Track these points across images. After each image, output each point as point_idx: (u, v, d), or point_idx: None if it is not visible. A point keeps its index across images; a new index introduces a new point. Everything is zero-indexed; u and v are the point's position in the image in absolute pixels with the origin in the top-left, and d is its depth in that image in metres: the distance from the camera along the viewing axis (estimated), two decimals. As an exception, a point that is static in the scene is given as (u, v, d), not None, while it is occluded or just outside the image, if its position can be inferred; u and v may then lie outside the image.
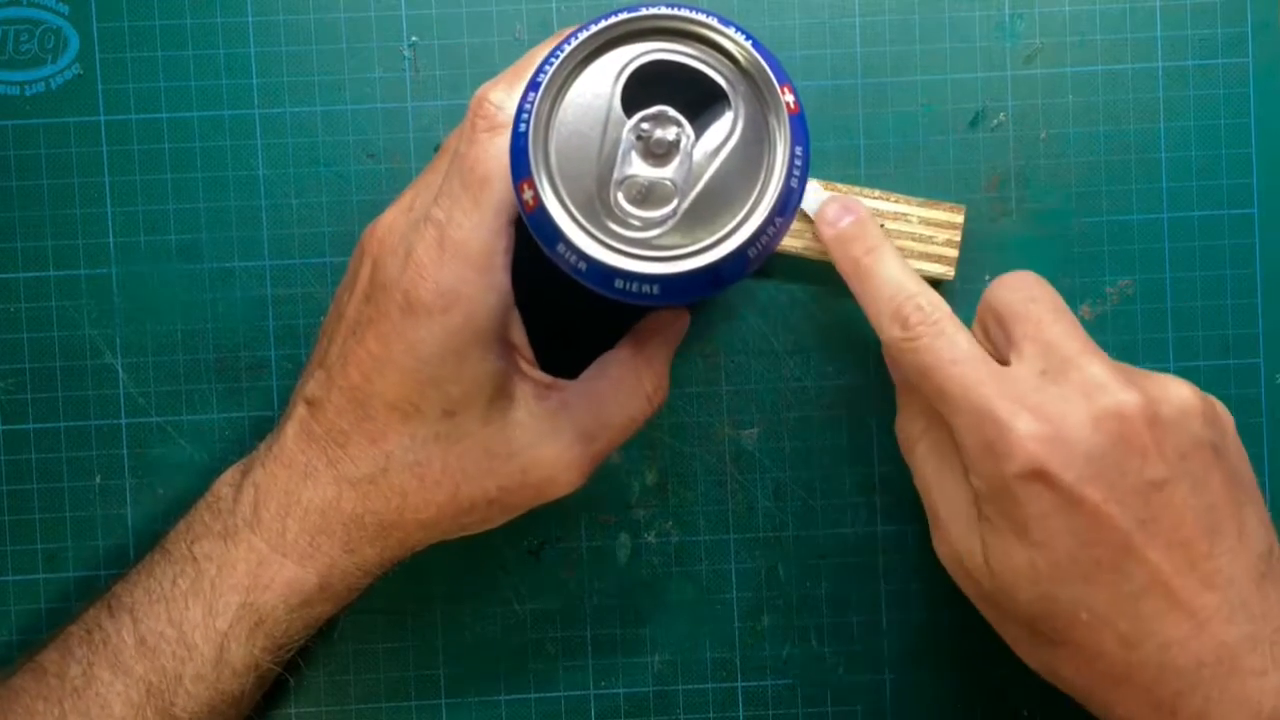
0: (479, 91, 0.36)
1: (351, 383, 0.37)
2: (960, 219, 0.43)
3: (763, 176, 0.32)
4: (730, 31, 0.32)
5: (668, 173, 0.31)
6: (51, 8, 0.44)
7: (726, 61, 0.32)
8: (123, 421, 0.45)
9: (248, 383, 0.45)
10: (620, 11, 0.32)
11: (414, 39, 0.44)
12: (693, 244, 0.31)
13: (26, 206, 0.44)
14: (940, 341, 0.36)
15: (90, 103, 0.44)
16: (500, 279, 0.36)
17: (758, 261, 0.32)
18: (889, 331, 0.37)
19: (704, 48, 0.32)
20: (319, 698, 0.45)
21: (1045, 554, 0.34)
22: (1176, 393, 0.35)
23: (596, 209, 0.32)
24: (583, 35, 0.31)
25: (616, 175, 0.31)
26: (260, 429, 0.44)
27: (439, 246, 0.36)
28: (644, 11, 0.32)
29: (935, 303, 0.37)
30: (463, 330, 0.36)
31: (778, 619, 0.45)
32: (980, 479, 0.35)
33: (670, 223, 0.31)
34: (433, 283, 0.36)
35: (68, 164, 0.44)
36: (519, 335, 0.39)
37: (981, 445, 0.35)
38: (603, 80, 0.32)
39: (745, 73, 0.32)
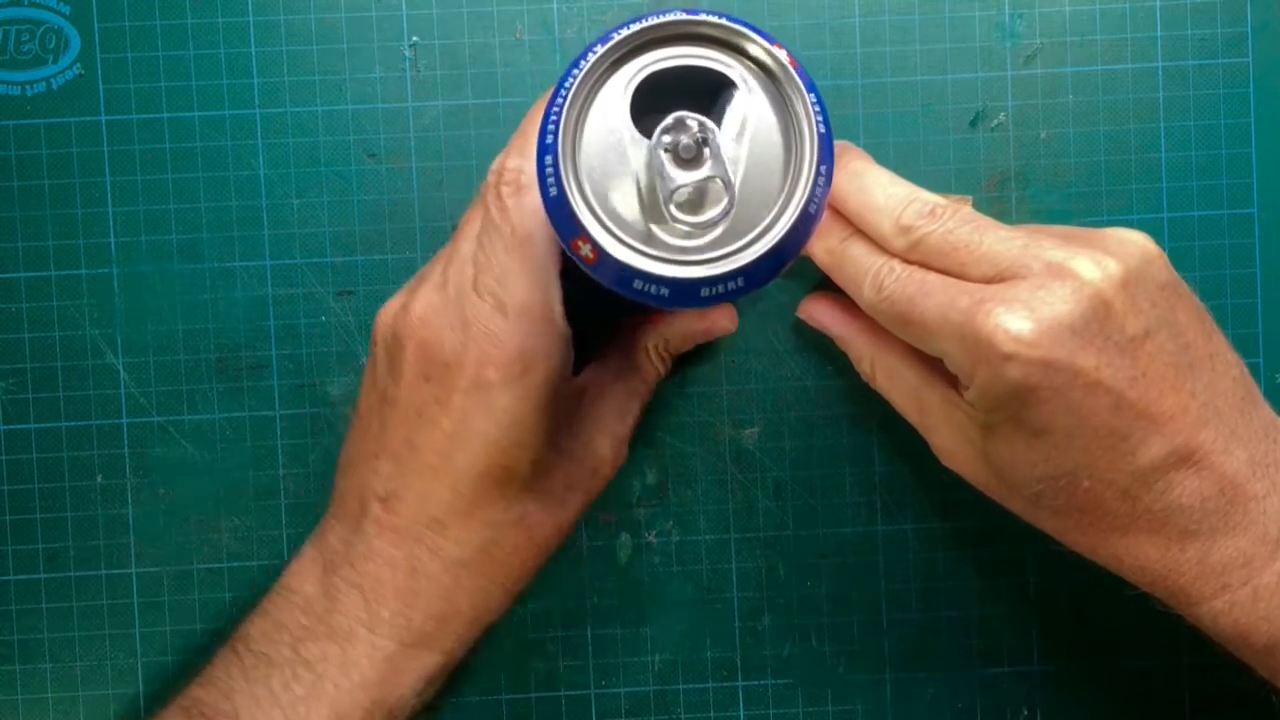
0: (494, 164, 0.37)
1: (430, 465, 0.38)
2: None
3: (789, 174, 0.32)
4: (760, 39, 0.32)
5: (706, 170, 0.31)
6: (53, 8, 0.44)
7: (729, 53, 0.32)
8: (124, 421, 0.45)
9: (249, 383, 0.45)
10: (612, 34, 0.31)
11: (415, 39, 0.44)
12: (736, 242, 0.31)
13: (28, 206, 0.44)
14: (912, 275, 0.37)
15: (91, 103, 0.44)
16: (564, 328, 0.37)
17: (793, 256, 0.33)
18: (894, 243, 0.38)
19: (706, 46, 0.32)
20: (320, 697, 0.45)
21: (1045, 440, 0.35)
22: (1134, 242, 0.36)
23: (652, 234, 0.31)
24: (574, 81, 0.31)
25: (662, 194, 0.31)
26: (260, 429, 0.45)
27: (501, 314, 0.36)
28: (653, 21, 0.31)
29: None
30: (543, 388, 0.37)
31: (778, 618, 0.45)
32: (977, 390, 0.36)
33: (729, 216, 0.31)
34: (506, 350, 0.36)
35: (69, 164, 0.44)
36: (568, 366, 0.40)
37: (973, 360, 0.35)
38: (612, 113, 0.32)
39: (764, 69, 0.32)
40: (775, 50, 0.31)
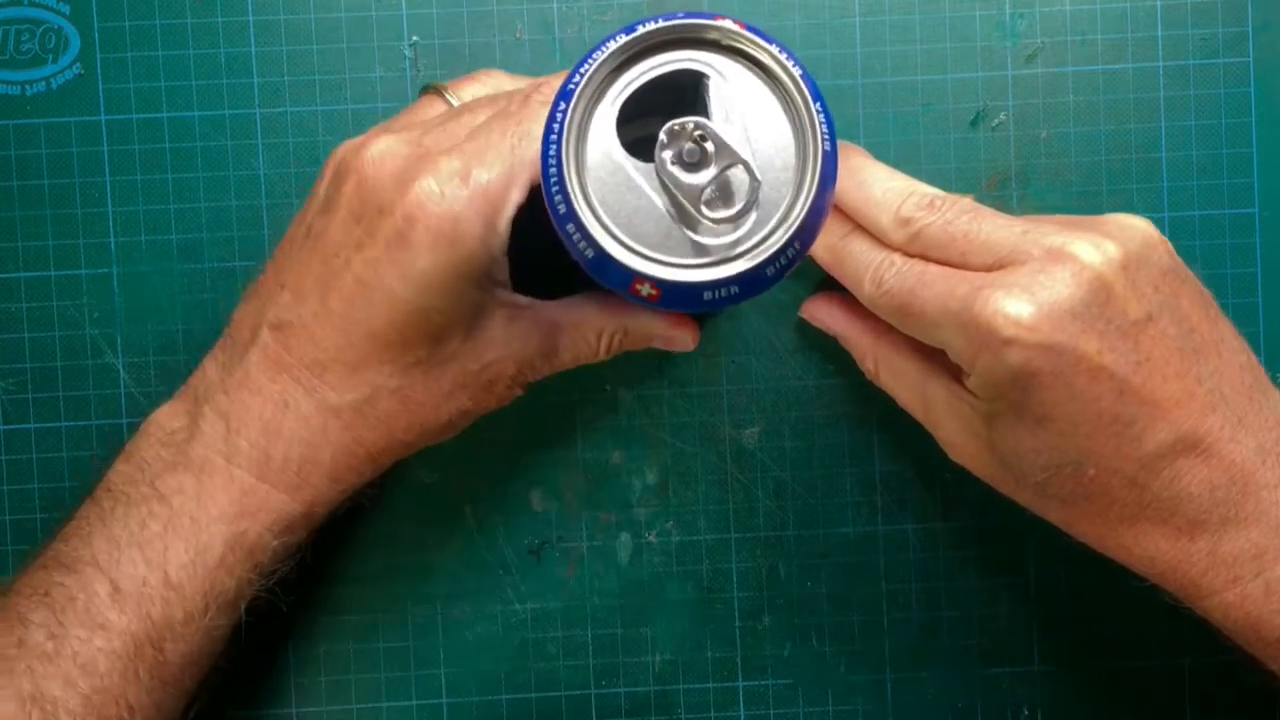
0: (534, 81, 0.38)
1: (331, 309, 0.37)
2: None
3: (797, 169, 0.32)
4: (773, 49, 0.32)
5: (716, 163, 0.31)
6: (52, 7, 0.44)
7: (704, 50, 0.32)
8: (124, 421, 0.45)
9: (248, 382, 0.45)
10: (603, 45, 0.31)
11: (415, 38, 0.44)
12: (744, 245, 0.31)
13: (27, 206, 0.44)
14: (911, 267, 0.37)
15: (91, 102, 0.44)
16: (505, 229, 0.36)
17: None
18: (894, 235, 0.38)
19: (688, 49, 0.32)
20: (319, 698, 0.45)
21: (1049, 427, 0.35)
22: (1135, 227, 0.36)
23: (694, 242, 0.31)
24: (565, 119, 0.31)
25: (689, 202, 0.31)
26: (261, 429, 0.44)
27: (461, 180, 0.35)
28: (650, 28, 0.31)
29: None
30: (462, 265, 0.36)
31: (779, 618, 0.45)
32: (979, 377, 0.36)
33: (757, 192, 0.31)
34: (443, 213, 0.35)
35: (69, 164, 0.44)
36: (501, 274, 0.39)
37: (974, 347, 0.35)
38: (609, 145, 0.32)
39: (764, 69, 0.32)
40: (774, 50, 0.31)
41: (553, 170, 0.31)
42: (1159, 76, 0.44)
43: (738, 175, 0.31)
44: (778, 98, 0.32)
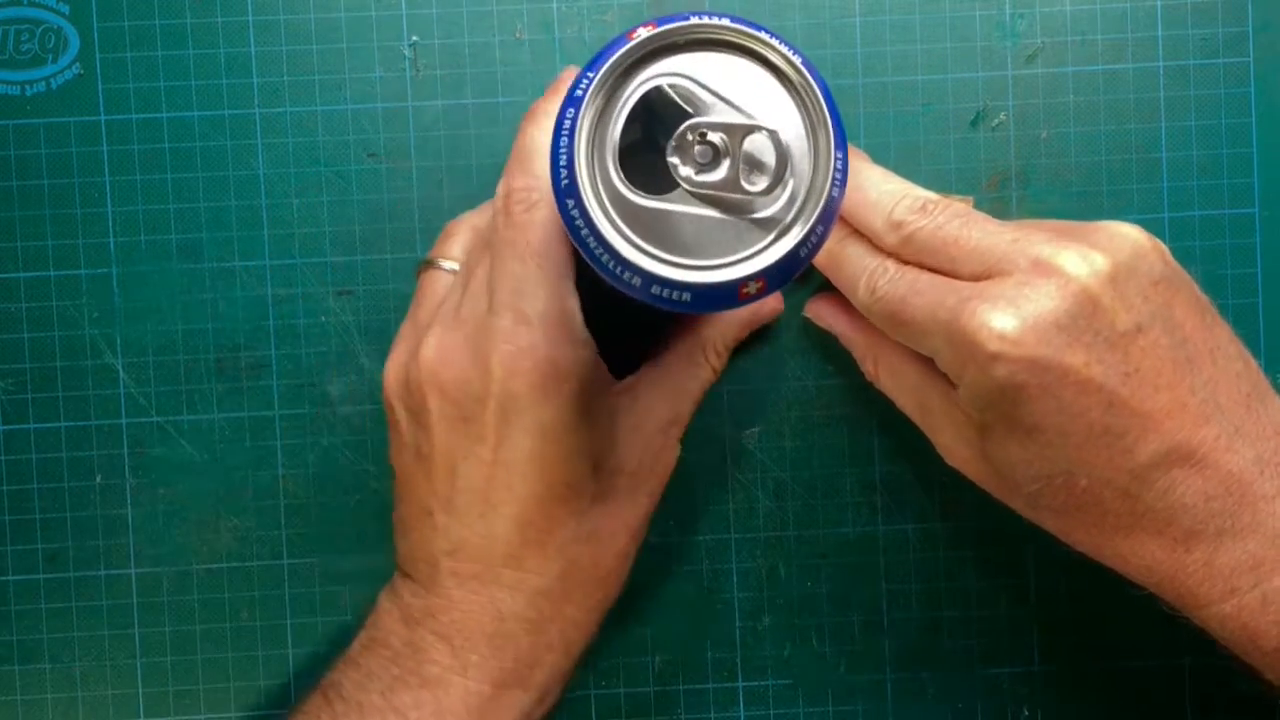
0: (500, 189, 0.37)
1: (488, 502, 0.37)
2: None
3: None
4: (780, 46, 0.32)
5: (731, 153, 0.31)
6: (52, 7, 0.44)
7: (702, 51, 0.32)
8: (123, 421, 0.45)
9: (248, 383, 0.45)
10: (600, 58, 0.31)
11: (414, 38, 0.44)
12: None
13: (27, 206, 0.44)
14: (904, 275, 0.37)
15: (91, 102, 0.44)
16: (586, 334, 0.37)
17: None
18: (886, 239, 0.38)
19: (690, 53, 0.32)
20: (319, 698, 0.45)
21: (1038, 439, 0.35)
22: (1125, 236, 0.35)
23: (741, 225, 0.31)
24: (582, 128, 0.31)
25: (726, 191, 0.31)
26: (260, 429, 0.44)
27: (525, 324, 0.35)
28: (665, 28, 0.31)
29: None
30: (581, 394, 0.36)
31: (778, 618, 0.45)
32: (967, 389, 0.35)
33: (790, 160, 0.31)
34: (536, 360, 0.35)
35: (68, 164, 0.44)
36: (603, 373, 0.39)
37: (961, 360, 0.35)
38: (607, 165, 0.32)
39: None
40: (782, 47, 0.31)
41: (599, 252, 0.31)
42: (1159, 76, 0.44)
43: (758, 143, 0.31)
44: (759, 66, 0.32)
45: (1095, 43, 0.44)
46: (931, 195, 0.38)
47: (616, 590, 0.40)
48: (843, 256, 0.39)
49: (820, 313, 0.43)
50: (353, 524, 0.45)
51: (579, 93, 0.31)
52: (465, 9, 0.44)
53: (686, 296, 0.31)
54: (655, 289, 0.31)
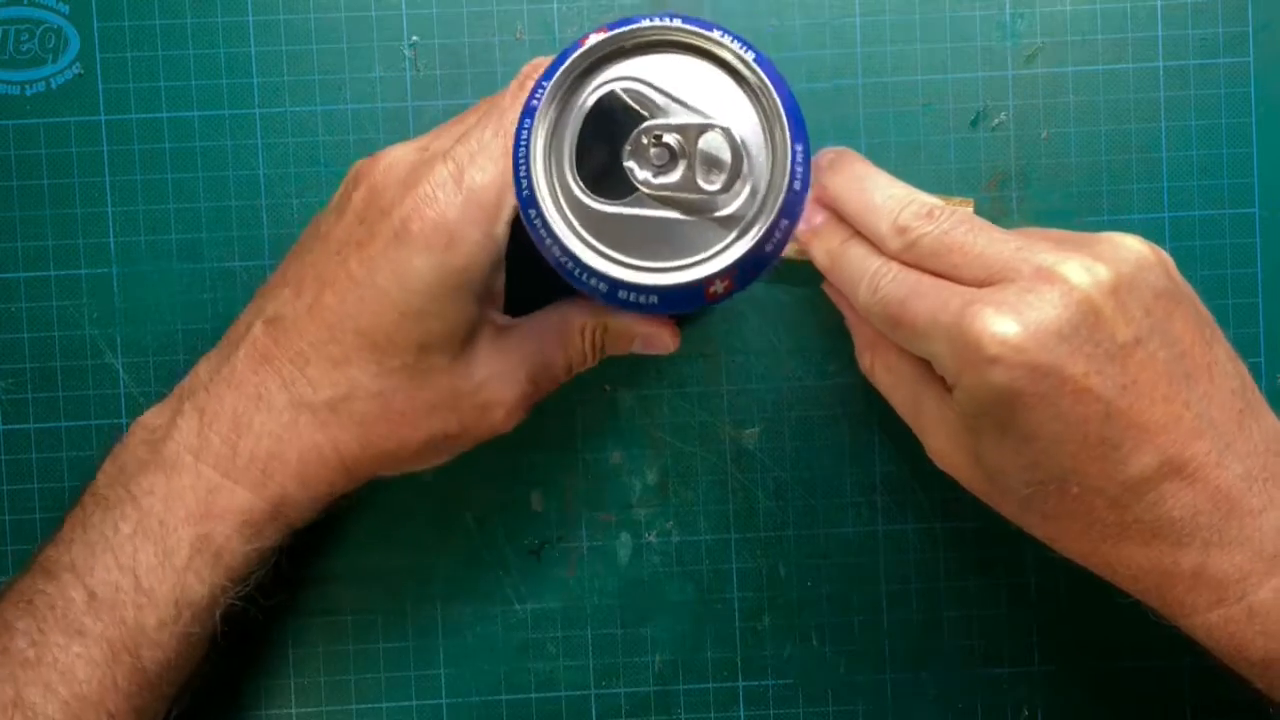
0: (532, 61, 0.37)
1: (324, 303, 0.37)
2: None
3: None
4: (728, 41, 0.32)
5: (686, 154, 0.31)
6: (52, 7, 0.44)
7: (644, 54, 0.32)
8: (123, 421, 0.45)
9: (248, 382, 0.45)
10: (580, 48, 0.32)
11: (415, 38, 0.44)
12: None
13: (27, 206, 0.44)
14: (906, 277, 0.37)
15: (91, 102, 0.44)
16: (502, 232, 0.36)
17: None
18: (890, 244, 0.38)
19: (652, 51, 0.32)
20: (319, 698, 0.45)
21: (1032, 445, 0.35)
22: (1129, 248, 0.36)
23: (713, 221, 0.31)
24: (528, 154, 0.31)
25: (685, 192, 0.31)
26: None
27: (454, 184, 0.35)
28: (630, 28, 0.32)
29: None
30: (459, 272, 0.36)
31: (779, 618, 0.45)
32: (964, 392, 0.35)
33: (746, 154, 0.31)
34: (438, 214, 0.35)
35: (68, 164, 0.44)
36: (498, 283, 0.39)
37: (960, 363, 0.35)
38: (565, 174, 0.32)
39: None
40: (698, 29, 0.32)
41: (564, 260, 0.32)
42: (1159, 76, 0.44)
43: (712, 141, 0.31)
44: (710, 64, 0.32)
45: (1095, 43, 0.44)
46: (937, 201, 0.38)
47: (361, 473, 0.38)
48: (845, 258, 0.39)
49: (836, 291, 0.43)
50: (352, 523, 0.45)
51: (534, 103, 0.31)
52: (465, 9, 0.44)
53: (653, 299, 0.32)
54: (621, 293, 0.32)
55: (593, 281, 0.32)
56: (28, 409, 0.45)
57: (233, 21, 0.44)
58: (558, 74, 0.31)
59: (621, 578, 0.45)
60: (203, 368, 0.39)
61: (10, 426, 0.45)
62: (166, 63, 0.44)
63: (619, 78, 0.32)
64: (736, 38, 0.32)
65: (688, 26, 0.32)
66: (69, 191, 0.44)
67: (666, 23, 0.32)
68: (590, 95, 0.32)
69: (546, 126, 0.32)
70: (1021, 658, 0.45)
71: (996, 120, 0.44)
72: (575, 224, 0.32)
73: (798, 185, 0.32)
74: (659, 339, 0.41)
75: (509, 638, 0.45)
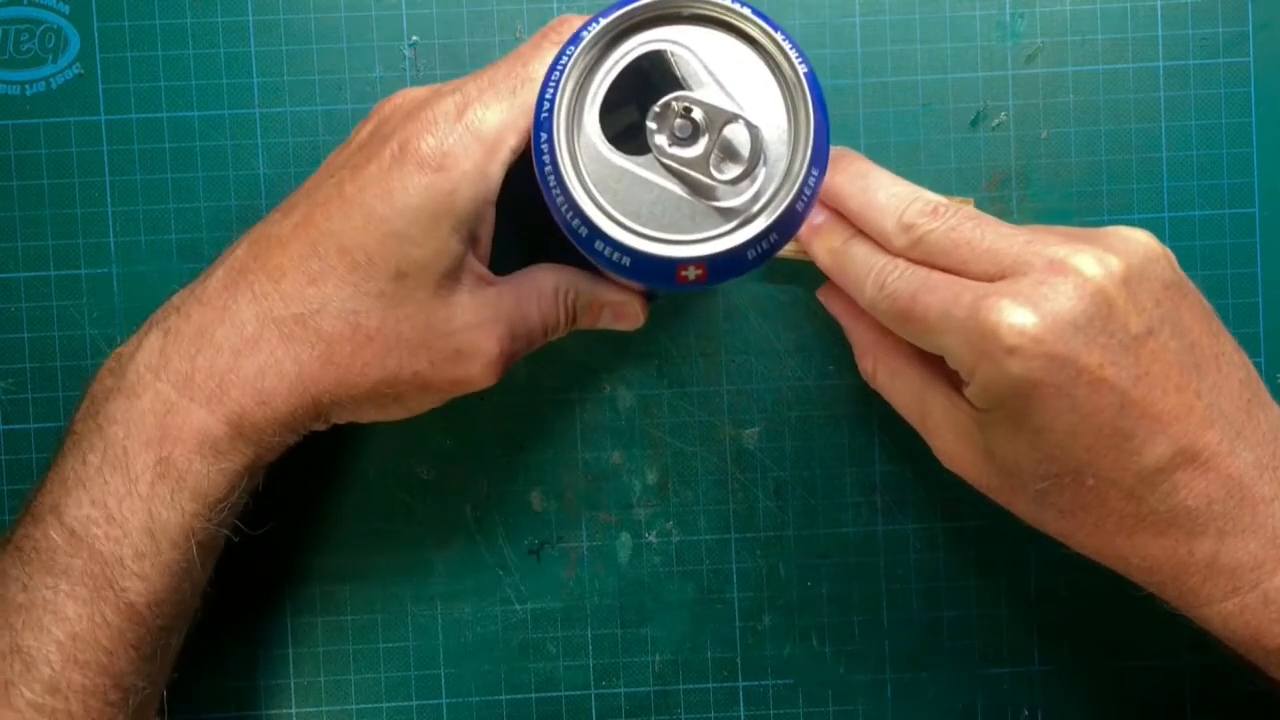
0: (561, 16, 0.38)
1: (312, 220, 0.37)
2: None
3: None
4: (759, 21, 0.32)
5: (709, 132, 0.31)
6: (52, 7, 0.44)
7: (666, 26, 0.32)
8: (123, 421, 0.44)
9: (248, 382, 0.45)
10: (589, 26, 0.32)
11: (415, 38, 0.44)
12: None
13: (27, 206, 0.44)
14: (914, 272, 0.37)
15: (91, 102, 0.44)
16: (497, 171, 0.36)
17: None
18: (896, 241, 0.38)
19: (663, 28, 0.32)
20: (319, 698, 0.45)
21: (1047, 438, 0.35)
22: (1137, 241, 0.36)
23: (713, 209, 0.31)
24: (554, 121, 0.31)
25: (693, 171, 0.31)
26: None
27: (456, 113, 0.36)
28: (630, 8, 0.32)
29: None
30: (447, 197, 0.36)
31: (779, 618, 0.45)
32: (979, 385, 0.35)
33: (764, 157, 0.31)
34: (436, 140, 0.36)
35: (68, 164, 0.44)
36: (486, 232, 0.38)
37: (975, 355, 0.35)
38: (601, 145, 0.32)
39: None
40: (746, 11, 0.32)
41: (556, 194, 0.31)
42: (1159, 76, 0.44)
43: (736, 133, 0.31)
44: (765, 64, 0.32)
45: (1095, 43, 0.44)
46: (941, 199, 0.38)
47: (326, 400, 0.37)
48: (849, 256, 0.39)
49: (830, 299, 0.43)
50: (352, 523, 0.45)
51: (584, 33, 0.31)
52: (465, 9, 0.44)
53: (626, 261, 0.32)
54: (599, 244, 0.32)
55: (575, 222, 0.32)
56: (28, 409, 0.45)
57: (233, 21, 0.44)
58: (622, 11, 0.31)
59: (621, 578, 0.45)
60: (179, 293, 0.39)
61: (10, 426, 0.45)
62: (166, 63, 0.44)
63: (670, 40, 0.32)
64: (795, 45, 0.32)
65: (757, 19, 0.32)
66: (69, 191, 0.44)
67: (737, 6, 0.32)
68: (640, 47, 0.32)
69: (588, 60, 0.32)
70: (1021, 658, 0.45)
71: (996, 120, 0.44)
72: (581, 162, 0.32)
73: (801, 206, 0.32)
74: (628, 309, 0.41)
75: (509, 638, 0.45)
